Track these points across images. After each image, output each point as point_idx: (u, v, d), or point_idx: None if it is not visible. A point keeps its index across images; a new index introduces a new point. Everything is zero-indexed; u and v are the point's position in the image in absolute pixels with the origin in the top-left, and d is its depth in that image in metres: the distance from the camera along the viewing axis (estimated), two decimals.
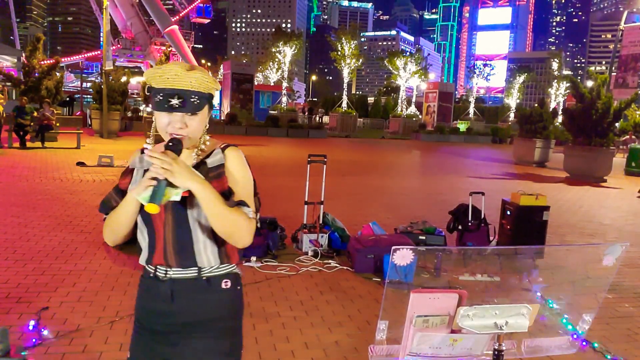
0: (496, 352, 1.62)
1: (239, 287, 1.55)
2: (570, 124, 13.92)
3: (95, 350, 2.96)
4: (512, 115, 42.74)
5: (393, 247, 1.58)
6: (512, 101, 44.79)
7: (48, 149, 13.48)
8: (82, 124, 19.59)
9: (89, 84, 35.67)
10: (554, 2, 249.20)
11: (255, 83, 34.59)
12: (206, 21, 71.29)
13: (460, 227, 5.54)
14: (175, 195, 1.34)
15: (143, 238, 1.51)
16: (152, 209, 1.30)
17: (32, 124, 13.74)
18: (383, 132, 35.41)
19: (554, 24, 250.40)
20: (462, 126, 36.13)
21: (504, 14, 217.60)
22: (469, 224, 5.47)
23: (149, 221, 1.46)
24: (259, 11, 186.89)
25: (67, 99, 28.71)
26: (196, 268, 1.46)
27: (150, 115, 23.07)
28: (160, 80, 1.39)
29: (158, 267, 1.50)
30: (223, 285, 1.49)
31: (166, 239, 1.46)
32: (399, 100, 38.75)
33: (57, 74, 18.85)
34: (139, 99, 29.96)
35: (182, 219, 1.44)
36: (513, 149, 18.50)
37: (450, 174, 13.33)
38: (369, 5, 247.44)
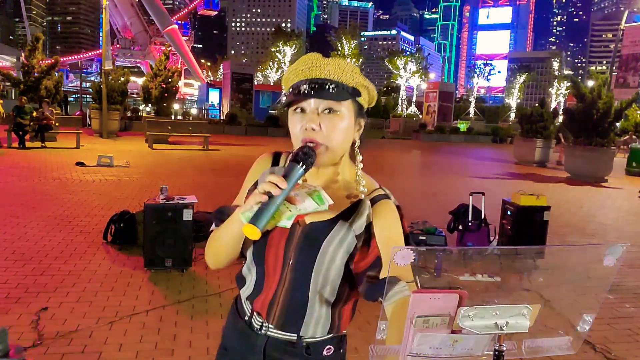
0: (497, 353, 1.61)
1: (341, 351, 1.26)
2: (570, 124, 13.92)
3: (94, 351, 2.96)
4: (512, 115, 42.78)
5: (393, 247, 1.57)
6: (513, 101, 44.87)
7: (47, 149, 13.47)
8: (81, 124, 19.59)
9: (88, 84, 35.66)
10: (554, 1, 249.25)
11: (255, 83, 34.60)
12: (214, 13, 71.33)
13: (460, 227, 5.53)
14: (287, 220, 1.02)
15: (249, 273, 1.23)
16: (251, 232, 0.98)
17: (31, 123, 13.74)
18: (383, 131, 35.42)
19: (555, 23, 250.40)
20: (463, 126, 36.16)
21: (504, 14, 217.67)
22: (470, 224, 5.46)
23: (261, 261, 1.19)
24: (259, 11, 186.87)
25: (62, 97, 28.73)
26: (297, 334, 1.19)
27: (150, 115, 23.09)
28: (294, 75, 1.14)
29: (256, 315, 1.22)
30: (325, 352, 1.21)
31: (277, 295, 1.17)
32: (399, 100, 38.76)
33: (57, 73, 18.84)
34: (139, 98, 29.95)
35: (301, 282, 1.16)
36: (513, 149, 18.50)
37: (450, 174, 13.33)
38: (369, 4, 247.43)
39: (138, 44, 62.12)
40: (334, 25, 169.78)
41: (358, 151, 1.19)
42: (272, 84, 41.57)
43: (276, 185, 0.99)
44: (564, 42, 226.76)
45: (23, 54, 19.27)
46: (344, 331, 1.26)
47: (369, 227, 1.13)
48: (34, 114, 13.92)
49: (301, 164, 1.05)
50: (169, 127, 17.01)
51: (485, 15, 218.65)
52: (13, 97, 23.62)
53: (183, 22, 65.93)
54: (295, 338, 1.19)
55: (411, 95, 39.51)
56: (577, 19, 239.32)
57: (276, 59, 34.75)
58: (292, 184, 1.03)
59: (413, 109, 38.22)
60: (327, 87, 1.09)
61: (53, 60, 19.43)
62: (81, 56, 68.98)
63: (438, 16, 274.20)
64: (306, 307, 1.17)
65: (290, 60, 32.73)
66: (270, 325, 1.19)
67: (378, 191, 1.18)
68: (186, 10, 62.64)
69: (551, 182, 12.59)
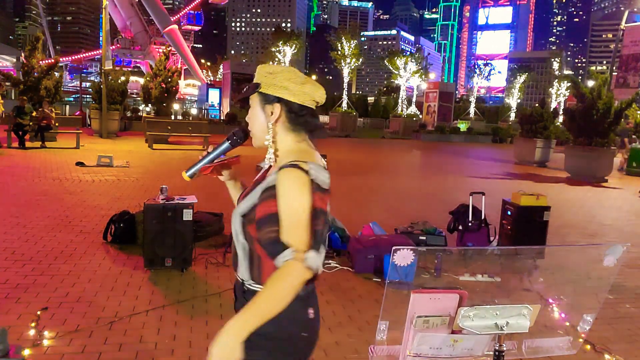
0: (497, 353, 1.61)
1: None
2: (570, 124, 13.91)
3: (94, 351, 2.96)
4: (512, 115, 42.75)
5: (393, 248, 1.57)
6: (513, 101, 44.79)
7: (47, 149, 13.47)
8: (81, 124, 19.59)
9: (88, 84, 35.67)
10: (554, 1, 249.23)
11: None
12: (197, 28, 70.79)
13: (460, 228, 5.53)
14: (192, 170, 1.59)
15: None
16: (184, 176, 1.58)
17: (31, 123, 13.74)
18: (383, 132, 35.40)
19: (555, 23, 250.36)
20: (463, 126, 36.15)
21: (504, 14, 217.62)
22: (470, 224, 5.46)
23: None
24: (259, 11, 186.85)
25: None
26: (240, 277, 1.48)
27: (149, 115, 23.09)
28: None
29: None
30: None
31: (232, 243, 1.54)
32: (399, 100, 38.75)
33: (57, 73, 18.83)
34: (139, 98, 29.94)
35: (234, 234, 1.48)
36: (514, 149, 18.50)
37: (450, 174, 13.32)
38: (369, 4, 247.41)
39: (138, 44, 62.10)
40: (334, 25, 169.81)
41: (270, 128, 1.44)
42: None
43: (207, 151, 1.56)
44: (564, 42, 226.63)
45: (23, 54, 19.26)
46: None
47: (268, 189, 1.36)
48: (34, 114, 13.93)
49: (228, 140, 1.55)
50: (169, 127, 17.01)
51: (485, 15, 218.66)
52: (13, 97, 23.59)
53: (196, 12, 65.57)
54: (241, 280, 1.48)
55: (411, 95, 39.50)
56: (577, 19, 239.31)
57: (276, 59, 34.70)
58: (217, 151, 1.57)
59: (413, 109, 38.18)
60: (244, 89, 1.47)
61: (53, 60, 19.41)
62: (81, 56, 68.97)
63: (438, 16, 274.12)
64: (237, 254, 1.47)
65: (290, 60, 32.67)
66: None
67: (291, 162, 1.35)
68: (172, 21, 62.01)
69: (551, 182, 12.59)
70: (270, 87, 1.43)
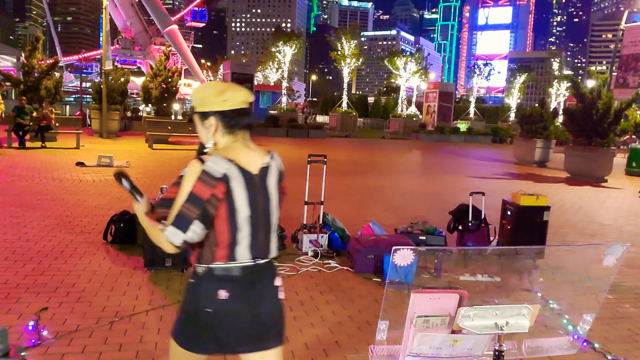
0: (497, 353, 1.62)
1: (191, 280, 1.74)
2: (570, 124, 13.91)
3: (94, 351, 2.96)
4: (512, 115, 42.73)
5: (393, 248, 1.58)
6: (513, 101, 44.75)
7: (47, 149, 13.47)
8: (81, 124, 19.58)
9: (88, 84, 35.67)
10: (554, 1, 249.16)
11: (255, 83, 34.59)
12: (201, 25, 71.10)
13: (460, 228, 5.53)
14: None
15: None
16: None
17: (31, 123, 13.74)
18: (383, 132, 35.39)
19: (555, 23, 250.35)
20: (463, 126, 36.13)
21: (504, 14, 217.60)
22: (469, 224, 5.46)
23: None
24: (259, 11, 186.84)
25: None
26: None
27: (150, 115, 23.09)
28: None
29: None
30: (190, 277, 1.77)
31: None
32: (399, 100, 38.74)
33: (57, 74, 18.83)
34: (139, 98, 29.92)
35: None
36: (513, 149, 18.49)
37: (450, 174, 13.33)
38: (369, 4, 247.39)
39: (138, 44, 62.08)
40: (334, 26, 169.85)
41: (210, 138, 1.73)
42: (272, 84, 41.54)
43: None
44: (564, 42, 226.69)
45: (23, 54, 19.25)
46: (197, 269, 1.71)
47: (179, 177, 1.67)
48: (34, 114, 13.93)
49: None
50: (169, 127, 17.01)
51: (485, 16, 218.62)
52: (13, 97, 23.58)
53: (200, 9, 65.76)
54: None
55: (411, 96, 39.48)
56: (577, 19, 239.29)
57: (276, 59, 34.66)
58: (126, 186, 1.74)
59: (413, 109, 38.17)
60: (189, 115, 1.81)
61: (53, 61, 19.41)
62: (86, 55, 69.02)
63: (438, 16, 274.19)
64: None
65: (290, 61, 32.66)
66: None
67: (200, 157, 1.65)
68: (174, 20, 62.10)
69: (551, 183, 12.59)
70: (201, 106, 1.72)
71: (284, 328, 1.83)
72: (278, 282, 1.79)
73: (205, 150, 1.73)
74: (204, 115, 1.72)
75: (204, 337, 1.71)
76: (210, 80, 55.51)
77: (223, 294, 1.65)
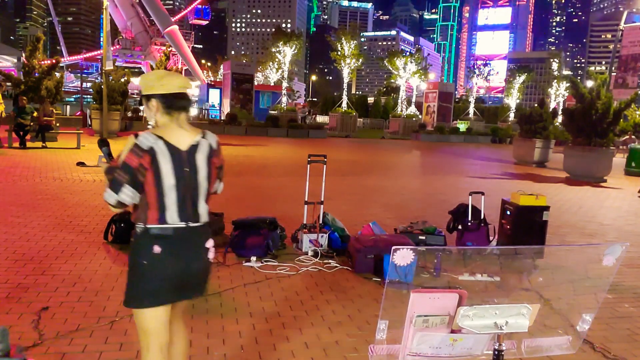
0: (496, 352, 1.62)
1: (132, 239, 2.08)
2: (570, 124, 13.91)
3: (95, 351, 2.97)
4: (512, 115, 42.74)
5: (393, 247, 1.58)
6: (512, 101, 44.77)
7: (48, 149, 13.48)
8: (82, 124, 19.59)
9: (89, 84, 35.68)
10: (553, 2, 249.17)
11: (255, 83, 34.59)
12: (204, 23, 71.15)
13: (460, 227, 5.54)
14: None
15: None
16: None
17: (32, 123, 13.74)
18: (383, 132, 35.40)
19: (554, 24, 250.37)
20: (462, 126, 36.14)
21: (503, 14, 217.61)
22: (469, 224, 5.47)
23: None
24: (259, 11, 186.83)
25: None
26: None
27: None
28: None
29: None
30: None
31: None
32: (399, 100, 38.76)
33: (57, 74, 18.83)
34: (139, 99, 29.87)
35: None
36: (513, 149, 18.50)
37: (450, 174, 13.34)
38: (369, 5, 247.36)
39: (138, 45, 62.05)
40: (334, 26, 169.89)
41: (152, 117, 2.08)
42: (272, 84, 41.54)
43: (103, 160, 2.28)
44: (563, 42, 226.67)
45: (24, 55, 19.25)
46: (136, 229, 2.02)
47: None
48: (35, 114, 13.93)
49: (104, 146, 2.37)
50: None
51: (485, 16, 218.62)
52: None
53: (204, 7, 65.82)
54: None
55: (411, 96, 39.49)
56: (576, 20, 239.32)
57: (276, 60, 34.67)
58: (106, 154, 2.34)
59: (413, 109, 38.19)
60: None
61: (53, 61, 19.41)
62: (81, 56, 68.97)
63: (438, 17, 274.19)
64: None
65: (290, 61, 32.67)
66: None
67: (137, 133, 1.98)
68: (176, 18, 62.10)
69: (550, 182, 12.60)
70: (145, 89, 2.04)
71: (207, 282, 2.18)
72: (209, 244, 2.11)
73: (150, 127, 2.15)
74: (148, 98, 2.04)
75: (147, 287, 1.98)
76: (211, 80, 55.57)
77: (157, 249, 1.96)
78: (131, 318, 3.42)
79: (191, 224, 2.02)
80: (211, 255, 2.11)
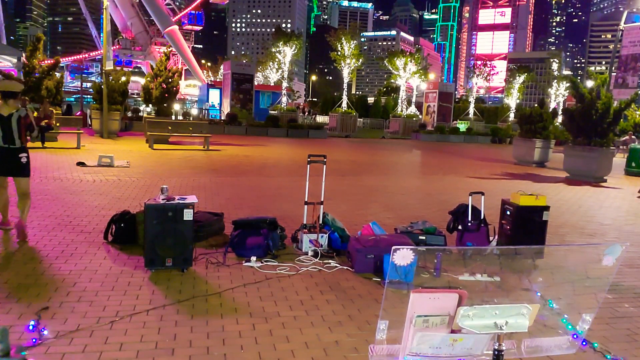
0: (496, 352, 1.62)
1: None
2: (570, 124, 13.92)
3: (95, 351, 2.97)
4: (512, 115, 42.74)
5: (393, 247, 1.58)
6: (512, 101, 44.75)
7: (48, 149, 13.48)
8: (82, 124, 19.56)
9: (89, 84, 35.68)
10: (553, 2, 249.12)
11: (255, 83, 34.59)
12: (198, 28, 70.96)
13: (460, 227, 5.54)
14: None
15: None
16: None
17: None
18: (383, 132, 35.41)
19: (554, 24, 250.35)
20: (462, 126, 36.15)
21: (503, 14, 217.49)
22: (469, 224, 5.47)
23: None
24: (259, 11, 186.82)
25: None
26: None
27: (150, 115, 23.10)
28: None
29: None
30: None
31: None
32: (399, 100, 38.75)
33: (57, 74, 18.84)
34: (139, 99, 29.93)
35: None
36: (513, 149, 18.50)
37: (450, 174, 13.34)
38: (369, 5, 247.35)
39: (138, 45, 62.09)
40: (334, 26, 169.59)
41: (19, 104, 5.20)
42: (272, 84, 41.54)
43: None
44: (563, 42, 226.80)
45: (24, 55, 19.25)
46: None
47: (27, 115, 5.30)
48: (35, 114, 13.92)
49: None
50: (170, 128, 17.01)
51: (485, 16, 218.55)
52: None
53: (197, 12, 65.71)
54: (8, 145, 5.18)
55: (411, 96, 39.50)
56: (576, 20, 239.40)
57: (276, 60, 34.68)
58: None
59: (413, 109, 38.19)
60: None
61: (54, 61, 19.41)
62: (84, 56, 69.04)
63: (438, 17, 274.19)
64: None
65: (290, 61, 32.65)
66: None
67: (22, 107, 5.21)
68: (172, 22, 61.88)
69: (550, 182, 12.60)
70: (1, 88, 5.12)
71: (20, 171, 5.17)
72: (22, 154, 5.09)
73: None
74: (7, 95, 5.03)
75: None
76: (211, 80, 55.56)
77: (24, 157, 5.15)
78: (131, 318, 3.43)
79: (11, 146, 4.99)
80: (24, 160, 5.11)
